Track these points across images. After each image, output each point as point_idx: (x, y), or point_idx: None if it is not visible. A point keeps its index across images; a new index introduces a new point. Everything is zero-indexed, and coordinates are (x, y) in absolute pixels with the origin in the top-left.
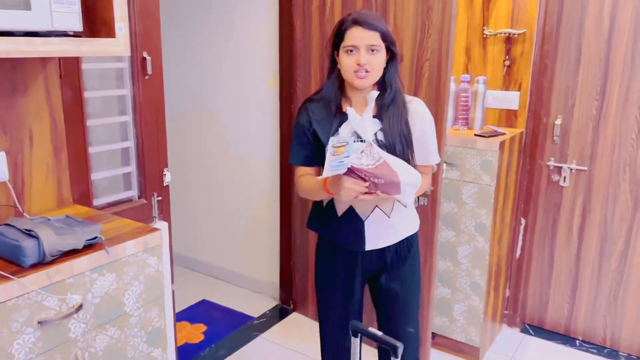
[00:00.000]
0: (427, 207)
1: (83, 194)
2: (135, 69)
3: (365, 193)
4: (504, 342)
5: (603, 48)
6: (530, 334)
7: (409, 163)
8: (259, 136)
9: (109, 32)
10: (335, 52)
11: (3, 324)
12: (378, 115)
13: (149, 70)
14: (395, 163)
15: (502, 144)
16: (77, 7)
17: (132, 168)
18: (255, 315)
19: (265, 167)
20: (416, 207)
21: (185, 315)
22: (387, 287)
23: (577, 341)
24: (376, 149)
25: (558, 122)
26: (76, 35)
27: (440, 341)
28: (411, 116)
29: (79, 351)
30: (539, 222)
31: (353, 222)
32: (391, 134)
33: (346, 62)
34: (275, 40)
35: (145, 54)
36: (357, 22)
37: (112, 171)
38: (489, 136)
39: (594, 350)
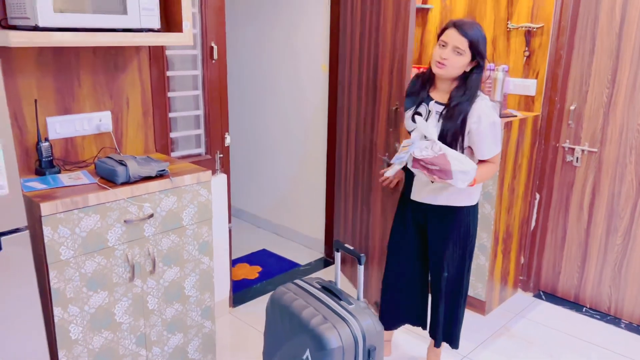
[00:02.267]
0: None
1: (164, 146)
2: (205, 55)
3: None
4: (515, 303)
5: (615, 41)
6: (542, 299)
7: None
8: (311, 115)
9: (179, 28)
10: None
11: (103, 218)
12: (448, 109)
13: (215, 56)
14: (454, 155)
15: (508, 124)
16: (157, 12)
17: (201, 131)
18: (302, 263)
19: (315, 141)
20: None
21: (247, 259)
22: (433, 241)
23: (584, 308)
24: (439, 145)
25: (572, 107)
26: (157, 30)
27: None
28: (470, 114)
29: (150, 246)
30: (553, 197)
31: (410, 174)
32: (447, 126)
33: (435, 52)
34: (327, 34)
35: (212, 44)
36: (455, 25)
37: (186, 132)
38: (500, 117)
39: (598, 317)
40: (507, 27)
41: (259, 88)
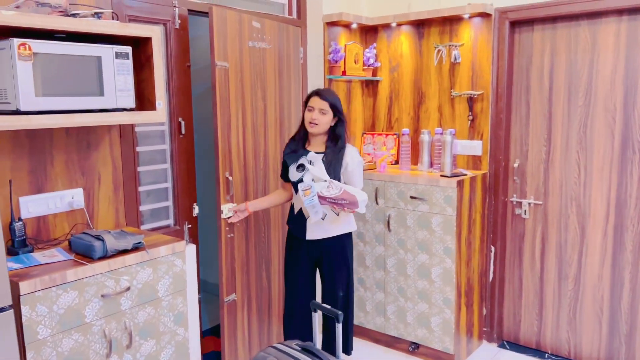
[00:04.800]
0: None
1: (133, 219)
2: (173, 130)
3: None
4: (481, 355)
5: (546, 105)
6: (506, 348)
7: None
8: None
9: (152, 107)
10: (305, 109)
11: (80, 294)
12: (326, 155)
13: (183, 131)
14: (352, 189)
15: (460, 182)
16: (132, 92)
17: (169, 203)
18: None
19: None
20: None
21: (214, 331)
22: (326, 268)
23: (547, 354)
24: (336, 183)
25: (516, 164)
26: (131, 109)
27: (423, 350)
28: (345, 158)
29: (127, 320)
30: (507, 249)
31: (301, 219)
32: (328, 169)
33: (306, 116)
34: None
35: (180, 119)
36: (317, 93)
37: (155, 204)
38: (451, 176)
39: None
40: (451, 95)
41: None
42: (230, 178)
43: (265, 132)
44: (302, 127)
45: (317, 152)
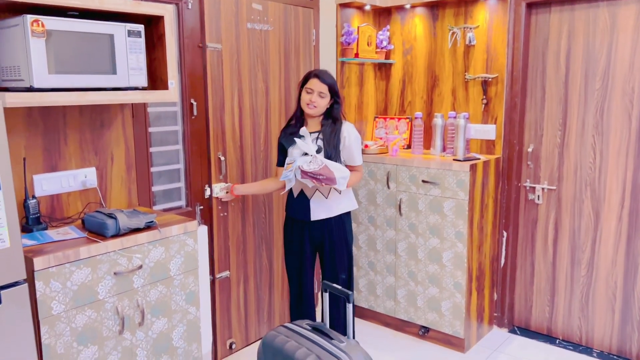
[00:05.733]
0: None
1: (146, 199)
2: (185, 111)
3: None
4: (491, 339)
5: (562, 89)
6: (517, 334)
7: (340, 164)
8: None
9: (165, 86)
10: (301, 90)
11: (93, 271)
12: (323, 133)
13: (195, 112)
14: (333, 165)
15: (473, 166)
16: (145, 71)
17: (181, 184)
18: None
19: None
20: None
21: None
22: (328, 250)
23: (558, 340)
24: (320, 158)
25: (530, 149)
26: (143, 88)
27: (433, 334)
28: (342, 134)
29: (139, 298)
30: (520, 234)
31: (303, 200)
32: (327, 146)
33: (304, 97)
34: None
35: (192, 100)
36: (316, 75)
37: (167, 185)
38: (464, 160)
39: (571, 348)
40: (465, 78)
41: None
42: (222, 158)
43: (267, 113)
44: (298, 109)
45: (313, 132)
